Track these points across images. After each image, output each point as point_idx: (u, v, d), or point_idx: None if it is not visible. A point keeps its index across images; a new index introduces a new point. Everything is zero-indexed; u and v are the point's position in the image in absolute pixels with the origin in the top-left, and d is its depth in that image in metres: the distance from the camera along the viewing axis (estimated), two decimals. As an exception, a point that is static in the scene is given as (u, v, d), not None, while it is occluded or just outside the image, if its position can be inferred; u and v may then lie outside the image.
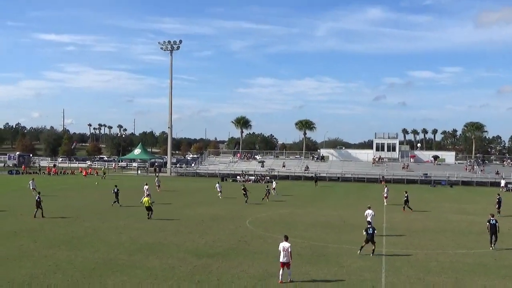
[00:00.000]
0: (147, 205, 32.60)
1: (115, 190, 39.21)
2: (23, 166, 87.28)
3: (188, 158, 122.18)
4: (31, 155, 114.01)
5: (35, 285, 16.81)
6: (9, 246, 23.20)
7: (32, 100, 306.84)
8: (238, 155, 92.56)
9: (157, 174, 60.00)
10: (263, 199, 43.32)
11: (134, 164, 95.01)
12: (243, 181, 66.65)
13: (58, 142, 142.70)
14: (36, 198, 32.36)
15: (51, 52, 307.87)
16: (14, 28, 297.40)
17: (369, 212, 28.82)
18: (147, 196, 36.19)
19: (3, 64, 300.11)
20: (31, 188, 44.33)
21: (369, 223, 24.34)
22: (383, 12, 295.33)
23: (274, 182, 48.47)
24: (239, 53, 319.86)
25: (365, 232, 22.45)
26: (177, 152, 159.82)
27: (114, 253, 22.01)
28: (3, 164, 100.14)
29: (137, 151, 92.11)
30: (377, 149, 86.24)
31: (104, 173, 74.53)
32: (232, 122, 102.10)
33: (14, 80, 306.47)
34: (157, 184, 52.35)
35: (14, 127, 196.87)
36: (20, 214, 33.29)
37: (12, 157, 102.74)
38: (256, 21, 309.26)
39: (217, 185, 47.26)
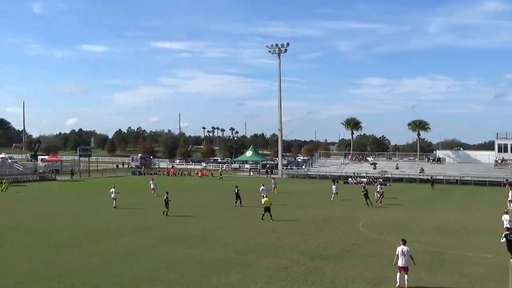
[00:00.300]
0: (266, 205, 32.46)
1: (236, 190, 40.20)
2: (143, 167, 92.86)
3: (299, 160, 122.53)
4: (151, 157, 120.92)
5: (156, 280, 17.78)
6: (132, 242, 24.78)
7: (151, 105, 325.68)
8: (349, 156, 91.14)
9: (270, 176, 60.21)
10: (376, 201, 42.19)
11: (246, 166, 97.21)
12: (366, 183, 65.39)
13: (175, 145, 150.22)
14: (164, 198, 34.25)
15: (167, 59, 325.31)
16: (133, 38, 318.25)
17: (506, 217, 26.43)
18: (266, 196, 35.56)
19: (125, 72, 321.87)
20: (151, 187, 47.14)
21: (508, 229, 22.71)
22: (500, 3, 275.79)
23: (379, 186, 47.05)
24: (347, 53, 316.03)
25: (504, 239, 21.01)
26: (287, 154, 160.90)
27: (229, 252, 22.64)
28: (127, 166, 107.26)
29: (248, 153, 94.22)
30: (499, 150, 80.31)
31: (221, 174, 76.91)
32: (342, 123, 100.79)
33: (135, 87, 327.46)
34: (273, 185, 53.03)
35: (135, 131, 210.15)
36: (143, 212, 35.50)
37: (135, 159, 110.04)
38: (365, 20, 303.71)
39: (333, 186, 46.79)
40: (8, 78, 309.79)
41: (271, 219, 31.78)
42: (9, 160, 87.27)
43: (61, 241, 24.62)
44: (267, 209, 32.22)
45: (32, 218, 33.01)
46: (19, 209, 38.16)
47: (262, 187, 42.02)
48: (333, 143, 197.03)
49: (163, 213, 33.55)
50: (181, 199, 45.38)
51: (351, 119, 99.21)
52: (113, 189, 38.84)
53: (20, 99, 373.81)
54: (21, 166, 75.93)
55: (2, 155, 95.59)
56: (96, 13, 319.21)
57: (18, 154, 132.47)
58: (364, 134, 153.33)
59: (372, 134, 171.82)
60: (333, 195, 45.36)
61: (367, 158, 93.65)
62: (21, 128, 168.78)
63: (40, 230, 27.86)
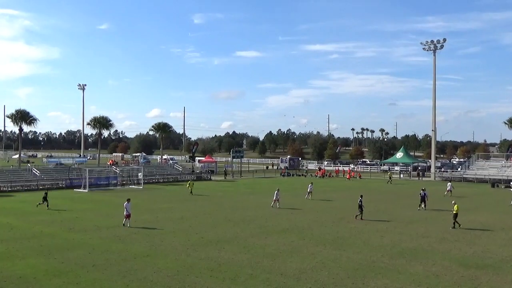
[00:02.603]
0: (455, 212, 30.12)
1: (422, 193, 39.37)
2: (282, 169, 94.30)
3: (454, 162, 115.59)
4: (300, 158, 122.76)
5: (302, 279, 18.11)
6: (281, 241, 25.48)
7: (300, 108, 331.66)
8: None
9: (449, 182, 56.28)
10: None
11: (396, 168, 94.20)
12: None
13: (324, 146, 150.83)
14: (358, 202, 33.55)
15: (317, 62, 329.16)
16: (284, 42, 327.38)
17: None
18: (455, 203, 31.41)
19: (276, 76, 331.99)
20: (308, 191, 47.05)
21: None
22: None
23: None
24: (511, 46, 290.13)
25: None
26: (441, 155, 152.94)
27: (377, 255, 22.23)
28: (276, 167, 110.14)
29: (399, 154, 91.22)
30: None
31: (390, 178, 72.60)
32: (505, 122, 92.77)
33: (285, 90, 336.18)
34: (449, 188, 50.76)
35: (285, 132, 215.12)
36: (295, 213, 36.30)
37: (284, 161, 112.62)
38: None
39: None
40: (171, 85, 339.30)
41: (459, 226, 29.93)
42: (170, 161, 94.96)
43: (213, 238, 26.17)
44: (455, 216, 30.07)
45: (191, 214, 35.42)
46: (180, 206, 41.13)
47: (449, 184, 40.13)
48: (493, 144, 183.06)
49: (355, 216, 33.37)
50: (331, 202, 45.52)
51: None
52: (277, 191, 39.69)
53: (181, 104, 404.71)
54: (180, 167, 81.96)
55: (165, 157, 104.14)
56: (249, 20, 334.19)
57: (178, 155, 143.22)
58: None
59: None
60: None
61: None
62: (181, 132, 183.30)
63: (195, 226, 29.87)
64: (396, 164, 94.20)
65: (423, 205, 38.81)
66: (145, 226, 29.16)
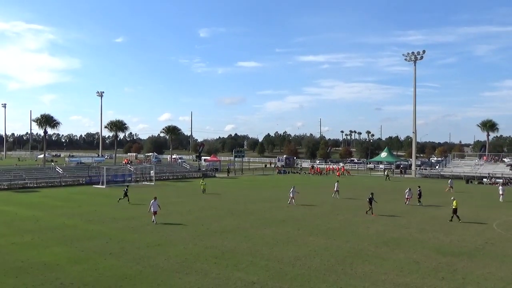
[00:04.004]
0: (455, 207, 29.48)
1: (418, 190, 38.65)
2: (278, 167, 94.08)
3: (432, 160, 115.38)
4: (295, 157, 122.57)
5: (297, 266, 18.10)
6: (278, 232, 25.44)
7: (296, 112, 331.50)
8: (484, 158, 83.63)
9: (449, 181, 55.39)
10: None
11: (381, 166, 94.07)
12: (502, 183, 59.37)
13: (316, 147, 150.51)
14: (369, 197, 32.20)
15: (310, 71, 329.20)
16: (281, 53, 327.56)
17: None
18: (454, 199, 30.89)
19: (273, 84, 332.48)
20: (335, 189, 43.37)
21: None
22: None
23: (500, 187, 42.33)
24: (484, 57, 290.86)
25: None
26: (421, 155, 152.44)
27: (363, 244, 22.21)
28: (273, 165, 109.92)
29: (383, 154, 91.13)
30: None
31: (387, 175, 71.28)
32: (478, 125, 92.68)
33: (282, 96, 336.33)
34: (450, 185, 49.95)
35: (282, 134, 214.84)
36: (288, 206, 36.26)
37: (280, 160, 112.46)
38: (504, 24, 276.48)
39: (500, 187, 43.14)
40: (180, 92, 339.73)
41: (458, 220, 29.05)
42: (179, 160, 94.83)
43: (217, 229, 26.14)
44: (455, 210, 29.47)
45: (198, 207, 35.33)
46: (188, 200, 41.10)
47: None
48: (468, 145, 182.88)
49: (366, 212, 31.77)
50: (319, 195, 45.51)
51: (487, 121, 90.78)
52: (292, 189, 37.94)
53: (189, 109, 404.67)
54: (188, 165, 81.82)
55: (174, 156, 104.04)
56: (249, 34, 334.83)
57: (186, 155, 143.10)
58: (501, 136, 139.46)
59: (509, 136, 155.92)
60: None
61: (503, 159, 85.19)
62: (189, 134, 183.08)
63: (202, 218, 29.83)
64: (381, 162, 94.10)
65: (419, 201, 38.00)
66: (156, 218, 29.11)
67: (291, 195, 37.59)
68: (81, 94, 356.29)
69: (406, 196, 38.33)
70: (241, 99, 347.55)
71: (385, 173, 75.16)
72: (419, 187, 40.08)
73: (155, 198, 28.60)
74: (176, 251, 20.31)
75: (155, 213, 27.79)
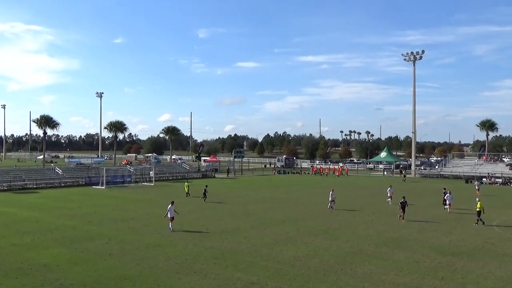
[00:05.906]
0: (478, 209, 28.30)
1: (444, 191, 37.03)
2: (274, 167, 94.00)
3: (432, 160, 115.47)
4: (294, 158, 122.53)
5: (296, 266, 18.08)
6: (277, 232, 25.44)
7: (295, 112, 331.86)
8: (484, 157, 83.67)
9: (475, 182, 54.48)
10: None
11: (380, 166, 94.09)
12: (501, 183, 59.47)
13: (316, 147, 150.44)
14: (401, 201, 30.06)
15: (309, 71, 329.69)
16: (280, 54, 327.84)
17: None
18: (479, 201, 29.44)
19: (273, 84, 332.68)
20: (389, 195, 39.07)
21: None
22: None
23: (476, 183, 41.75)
24: (483, 57, 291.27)
25: None
26: (421, 155, 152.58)
27: (363, 244, 22.21)
28: (273, 166, 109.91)
29: (383, 154, 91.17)
30: None
31: (405, 176, 71.34)
32: (477, 125, 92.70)
33: (281, 97, 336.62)
34: (476, 187, 48.80)
35: (281, 135, 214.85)
36: (287, 206, 36.26)
37: (280, 160, 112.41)
38: (503, 23, 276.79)
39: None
40: (180, 93, 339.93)
41: (483, 223, 27.99)
42: (179, 161, 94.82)
43: (217, 229, 26.12)
44: (479, 213, 28.26)
45: (197, 208, 35.30)
46: (187, 201, 41.06)
47: (389, 189, 38.62)
48: (467, 145, 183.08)
49: (399, 217, 29.82)
50: (318, 195, 45.50)
51: (487, 120, 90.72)
52: (331, 192, 35.25)
53: (188, 109, 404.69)
54: (187, 166, 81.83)
55: (174, 157, 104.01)
56: (248, 34, 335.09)
57: (185, 155, 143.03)
58: (501, 135, 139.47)
59: (509, 136, 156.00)
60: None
61: (503, 158, 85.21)
62: (189, 134, 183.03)
63: (201, 219, 29.81)
64: (381, 162, 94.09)
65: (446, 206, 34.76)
66: (156, 219, 29.11)
67: (330, 198, 34.85)
68: (81, 95, 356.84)
69: (448, 202, 34.55)
70: (240, 99, 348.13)
71: (402, 174, 74.89)
72: (444, 188, 38.34)
73: (172, 203, 26.25)
74: (176, 252, 20.31)
75: (172, 219, 25.60)
